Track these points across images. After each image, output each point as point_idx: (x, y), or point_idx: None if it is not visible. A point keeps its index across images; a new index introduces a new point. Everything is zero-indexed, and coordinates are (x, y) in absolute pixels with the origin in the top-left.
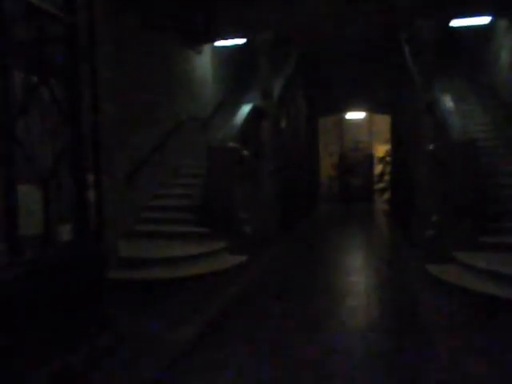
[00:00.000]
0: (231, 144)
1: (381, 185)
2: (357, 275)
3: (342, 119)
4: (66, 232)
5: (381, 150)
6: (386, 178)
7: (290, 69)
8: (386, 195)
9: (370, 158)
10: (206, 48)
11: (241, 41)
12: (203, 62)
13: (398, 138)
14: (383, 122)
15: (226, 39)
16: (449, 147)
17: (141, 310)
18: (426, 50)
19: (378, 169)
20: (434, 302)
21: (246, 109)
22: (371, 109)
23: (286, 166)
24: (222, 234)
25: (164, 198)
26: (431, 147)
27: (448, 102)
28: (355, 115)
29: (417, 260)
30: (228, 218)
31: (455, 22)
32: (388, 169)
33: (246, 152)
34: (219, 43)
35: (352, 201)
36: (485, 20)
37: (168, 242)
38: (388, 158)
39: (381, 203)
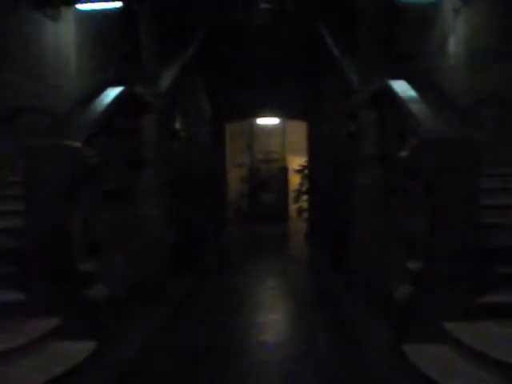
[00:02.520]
0: (67, 143)
1: (301, 203)
2: (285, 366)
3: (253, 125)
4: None
5: (296, 161)
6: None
7: (190, 54)
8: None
9: (284, 171)
10: (67, 14)
11: (115, 4)
12: (63, 34)
13: (318, 148)
14: (298, 129)
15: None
16: (428, 151)
17: None
18: (364, 22)
19: (296, 183)
20: None
21: (111, 94)
22: (286, 114)
23: (181, 179)
24: (50, 301)
25: None
26: (404, 154)
27: (406, 88)
28: (267, 121)
29: (380, 332)
30: (58, 273)
31: None
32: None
33: (94, 157)
34: (84, 7)
35: (265, 220)
36: None
37: None
38: (306, 171)
39: (300, 223)
